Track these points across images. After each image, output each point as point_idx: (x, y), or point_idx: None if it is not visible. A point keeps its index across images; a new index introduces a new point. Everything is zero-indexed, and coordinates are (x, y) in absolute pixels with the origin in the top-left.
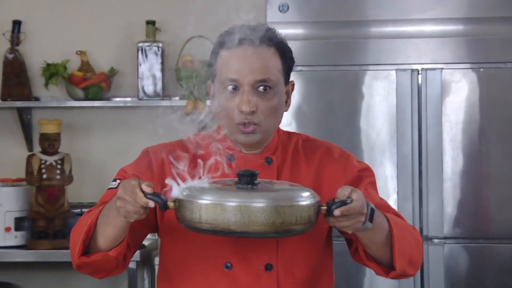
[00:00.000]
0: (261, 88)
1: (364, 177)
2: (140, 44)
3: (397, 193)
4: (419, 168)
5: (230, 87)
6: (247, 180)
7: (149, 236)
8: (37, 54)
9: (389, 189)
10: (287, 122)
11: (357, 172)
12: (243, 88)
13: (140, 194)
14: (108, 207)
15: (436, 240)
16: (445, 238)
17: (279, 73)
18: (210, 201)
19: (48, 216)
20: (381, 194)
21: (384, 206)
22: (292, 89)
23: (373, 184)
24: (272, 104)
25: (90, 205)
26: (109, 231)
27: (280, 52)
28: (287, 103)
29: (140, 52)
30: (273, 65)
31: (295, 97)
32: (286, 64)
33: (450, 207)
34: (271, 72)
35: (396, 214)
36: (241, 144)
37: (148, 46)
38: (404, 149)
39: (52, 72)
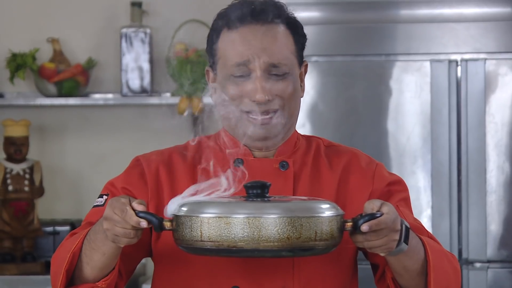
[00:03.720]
0: (275, 73)
1: (395, 192)
2: (124, 30)
3: (432, 208)
4: (457, 179)
5: (238, 74)
6: (256, 192)
7: None
8: (0, 42)
9: (422, 203)
10: (300, 123)
11: (386, 186)
12: (255, 73)
13: (131, 212)
14: (94, 230)
15: (478, 264)
16: (488, 261)
17: (292, 55)
18: (213, 214)
19: (15, 235)
20: (413, 209)
21: (417, 228)
22: (306, 71)
23: (406, 201)
24: (289, 91)
25: (65, 222)
26: (96, 259)
27: (292, 30)
28: (301, 87)
29: (123, 40)
30: (287, 46)
31: (310, 93)
32: (299, 43)
33: (495, 225)
34: (286, 54)
35: (430, 237)
36: (252, 140)
37: (133, 32)
38: (439, 156)
39: (18, 63)
